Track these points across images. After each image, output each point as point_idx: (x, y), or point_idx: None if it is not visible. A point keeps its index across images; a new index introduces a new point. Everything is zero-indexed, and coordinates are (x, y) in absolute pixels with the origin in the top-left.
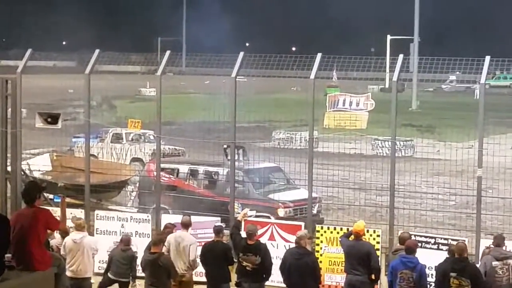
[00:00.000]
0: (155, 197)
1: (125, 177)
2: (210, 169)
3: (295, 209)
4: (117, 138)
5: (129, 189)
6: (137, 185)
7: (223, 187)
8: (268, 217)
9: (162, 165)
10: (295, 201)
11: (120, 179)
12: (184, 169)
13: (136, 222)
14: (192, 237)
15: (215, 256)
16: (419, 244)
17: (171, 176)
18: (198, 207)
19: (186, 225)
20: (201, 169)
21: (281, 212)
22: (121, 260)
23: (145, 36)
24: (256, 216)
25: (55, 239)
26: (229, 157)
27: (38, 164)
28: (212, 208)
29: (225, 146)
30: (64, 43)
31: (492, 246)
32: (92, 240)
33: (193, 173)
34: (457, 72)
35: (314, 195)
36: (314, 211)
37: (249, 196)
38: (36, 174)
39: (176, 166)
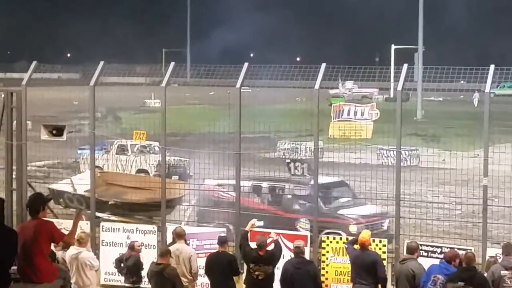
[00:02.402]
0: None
1: (178, 194)
2: (275, 184)
3: (367, 225)
4: (122, 149)
5: (184, 206)
6: (189, 201)
7: (290, 203)
8: (339, 234)
9: (222, 181)
10: (366, 216)
11: (174, 197)
12: (246, 185)
13: (142, 233)
14: (190, 248)
15: (220, 267)
16: (426, 254)
17: (230, 192)
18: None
19: (180, 236)
20: (264, 184)
21: (353, 228)
22: None
23: (149, 48)
24: (328, 233)
25: (61, 251)
26: (293, 172)
27: (81, 182)
28: (277, 224)
29: (288, 160)
30: (68, 55)
31: (498, 255)
32: (88, 256)
33: (255, 189)
34: (462, 81)
35: (383, 210)
36: (385, 227)
37: (319, 213)
38: (81, 192)
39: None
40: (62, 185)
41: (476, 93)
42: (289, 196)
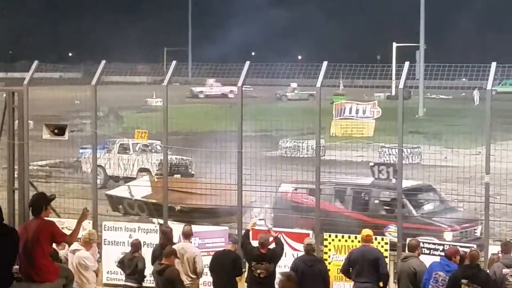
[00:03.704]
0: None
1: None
2: (360, 189)
3: (461, 231)
4: (124, 148)
5: (255, 211)
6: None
7: (377, 209)
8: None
9: (302, 185)
10: (460, 222)
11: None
12: (327, 189)
13: (144, 232)
14: (195, 247)
15: (223, 265)
16: (428, 251)
17: (312, 197)
18: (347, 230)
19: (188, 236)
20: (348, 188)
21: (448, 235)
22: None
23: (151, 47)
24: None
25: (64, 250)
26: (376, 176)
27: (138, 188)
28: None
29: (371, 163)
30: (70, 54)
31: (500, 252)
32: (83, 256)
33: (339, 194)
34: (463, 79)
35: (476, 216)
36: (478, 234)
37: (410, 219)
38: (138, 198)
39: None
40: (119, 191)
41: (476, 90)
42: (376, 201)
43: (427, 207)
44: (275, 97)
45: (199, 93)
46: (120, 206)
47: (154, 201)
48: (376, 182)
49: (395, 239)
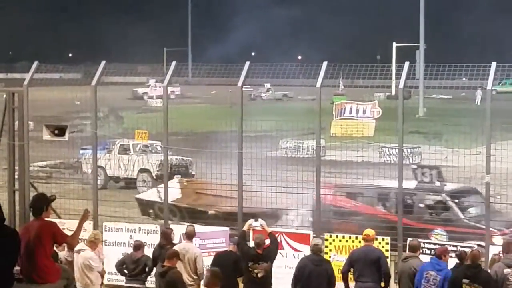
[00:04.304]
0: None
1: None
2: (405, 192)
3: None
4: (124, 149)
5: (290, 216)
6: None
7: (422, 213)
8: (482, 246)
9: (341, 189)
10: (509, 226)
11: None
12: (369, 192)
13: (145, 233)
14: (197, 248)
15: (224, 266)
16: (429, 252)
17: (352, 200)
18: (391, 234)
19: (190, 236)
20: (392, 192)
21: (497, 240)
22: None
23: (151, 47)
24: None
25: (64, 251)
26: (419, 179)
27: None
28: (411, 235)
29: (414, 166)
30: (70, 55)
31: (501, 252)
32: (88, 256)
33: (382, 197)
34: (463, 79)
35: None
36: None
37: (457, 223)
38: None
39: (359, 189)
40: (149, 195)
41: (478, 90)
42: (421, 205)
43: (473, 211)
44: (249, 98)
45: (143, 95)
46: (151, 211)
47: (186, 205)
48: (419, 185)
49: (442, 243)
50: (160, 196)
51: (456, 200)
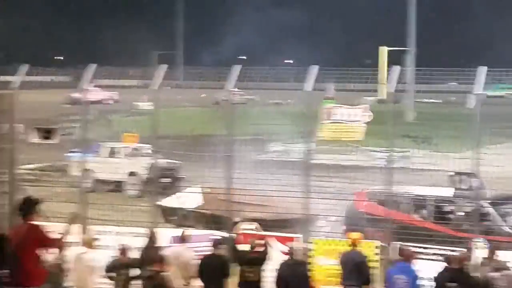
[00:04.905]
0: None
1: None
2: (443, 199)
3: None
4: (113, 152)
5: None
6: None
7: (461, 221)
8: None
9: (376, 196)
10: None
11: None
12: (405, 199)
13: (133, 236)
14: (191, 252)
15: (213, 269)
16: (416, 255)
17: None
18: (427, 242)
19: (184, 240)
20: (430, 199)
21: None
22: None
23: (142, 51)
24: None
25: (52, 254)
26: (457, 186)
27: (188, 198)
28: (447, 244)
29: (451, 173)
30: (61, 58)
31: (488, 256)
32: (92, 258)
33: (418, 204)
34: (453, 83)
35: None
36: None
37: (499, 232)
38: (188, 208)
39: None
40: (171, 202)
41: (472, 94)
42: (461, 213)
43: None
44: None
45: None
46: (175, 217)
47: (210, 212)
48: (458, 193)
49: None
50: (183, 203)
51: (500, 208)
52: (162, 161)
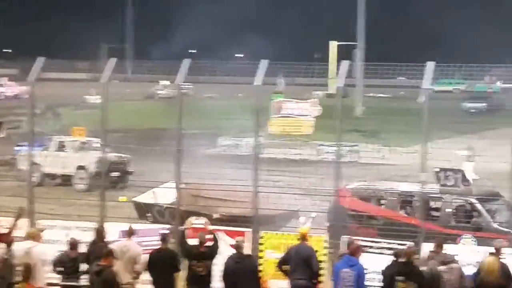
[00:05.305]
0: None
1: (295, 207)
2: (429, 196)
3: None
4: (61, 146)
5: (301, 220)
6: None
7: (448, 218)
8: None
9: (360, 192)
10: None
11: (290, 209)
12: (390, 196)
13: (81, 230)
14: (138, 246)
15: (162, 264)
16: (364, 249)
17: (371, 204)
18: (413, 239)
19: (131, 234)
20: (415, 195)
21: None
22: None
23: (91, 44)
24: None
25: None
26: (442, 182)
27: (162, 194)
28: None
29: (436, 169)
30: (9, 50)
31: (435, 250)
32: (42, 251)
33: (405, 201)
34: (402, 78)
35: None
36: None
37: (487, 228)
38: (162, 203)
39: (379, 193)
40: (146, 198)
41: (422, 89)
42: (449, 210)
43: (502, 215)
44: (146, 95)
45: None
46: (149, 214)
47: (187, 208)
48: (443, 189)
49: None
50: (157, 199)
51: (486, 205)
52: (111, 155)
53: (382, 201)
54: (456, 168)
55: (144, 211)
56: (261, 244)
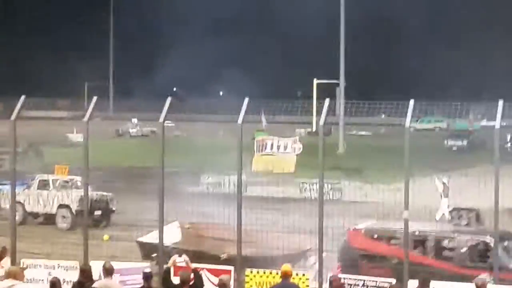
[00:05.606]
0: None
1: (303, 248)
2: (444, 236)
3: None
4: (44, 184)
5: (310, 261)
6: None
7: (465, 258)
8: None
9: (372, 232)
10: None
11: (297, 251)
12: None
13: (64, 269)
14: (119, 285)
15: None
16: (348, 286)
17: (385, 244)
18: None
19: (110, 272)
20: (430, 236)
21: None
22: None
23: (72, 81)
24: None
25: None
26: (456, 222)
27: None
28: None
29: (449, 208)
30: None
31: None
32: None
33: (419, 241)
34: (383, 116)
35: None
36: None
37: (505, 268)
38: (168, 244)
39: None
40: (152, 238)
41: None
42: (463, 250)
43: None
44: (115, 134)
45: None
46: (155, 254)
47: (193, 249)
48: (457, 228)
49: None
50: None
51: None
52: (94, 193)
53: (393, 241)
54: (471, 208)
55: (149, 251)
56: (246, 282)
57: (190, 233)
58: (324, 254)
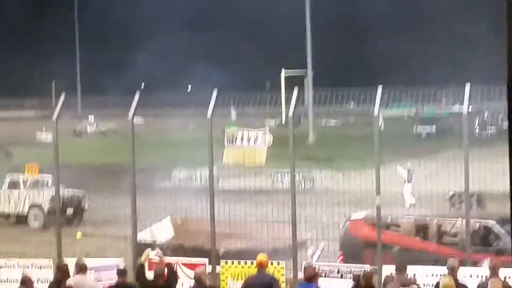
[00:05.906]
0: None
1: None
2: (446, 220)
3: None
4: (14, 184)
5: (309, 252)
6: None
7: (466, 242)
8: None
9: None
10: None
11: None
12: (407, 222)
13: (38, 268)
14: (94, 282)
15: None
16: (323, 274)
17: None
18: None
19: (84, 269)
20: (433, 222)
21: None
22: None
23: (38, 80)
24: None
25: None
26: (457, 206)
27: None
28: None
29: (451, 192)
30: None
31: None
32: None
33: (421, 227)
34: (352, 104)
35: None
36: None
37: (508, 251)
38: (162, 241)
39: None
40: (145, 236)
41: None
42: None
43: None
44: (72, 133)
45: None
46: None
47: (189, 244)
48: (458, 213)
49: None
50: (155, 237)
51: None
52: (65, 191)
53: (394, 228)
54: (472, 192)
55: (143, 248)
56: (222, 273)
57: (182, 229)
58: (323, 244)
